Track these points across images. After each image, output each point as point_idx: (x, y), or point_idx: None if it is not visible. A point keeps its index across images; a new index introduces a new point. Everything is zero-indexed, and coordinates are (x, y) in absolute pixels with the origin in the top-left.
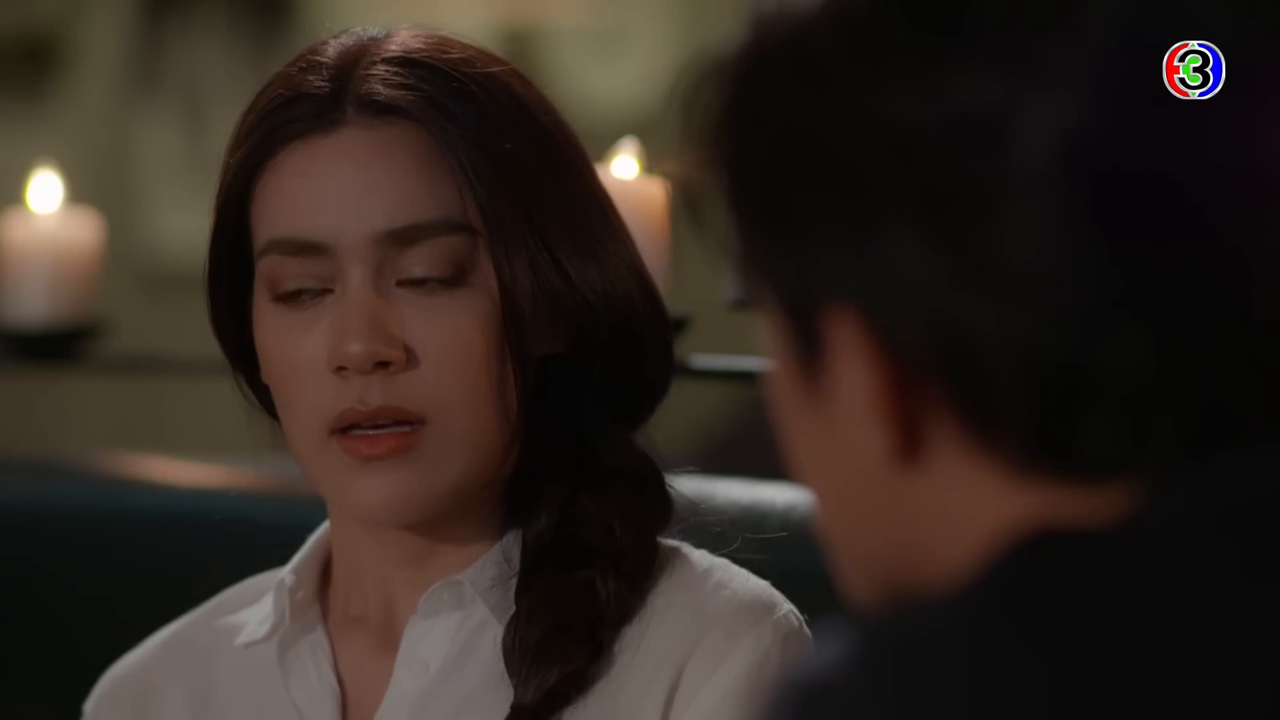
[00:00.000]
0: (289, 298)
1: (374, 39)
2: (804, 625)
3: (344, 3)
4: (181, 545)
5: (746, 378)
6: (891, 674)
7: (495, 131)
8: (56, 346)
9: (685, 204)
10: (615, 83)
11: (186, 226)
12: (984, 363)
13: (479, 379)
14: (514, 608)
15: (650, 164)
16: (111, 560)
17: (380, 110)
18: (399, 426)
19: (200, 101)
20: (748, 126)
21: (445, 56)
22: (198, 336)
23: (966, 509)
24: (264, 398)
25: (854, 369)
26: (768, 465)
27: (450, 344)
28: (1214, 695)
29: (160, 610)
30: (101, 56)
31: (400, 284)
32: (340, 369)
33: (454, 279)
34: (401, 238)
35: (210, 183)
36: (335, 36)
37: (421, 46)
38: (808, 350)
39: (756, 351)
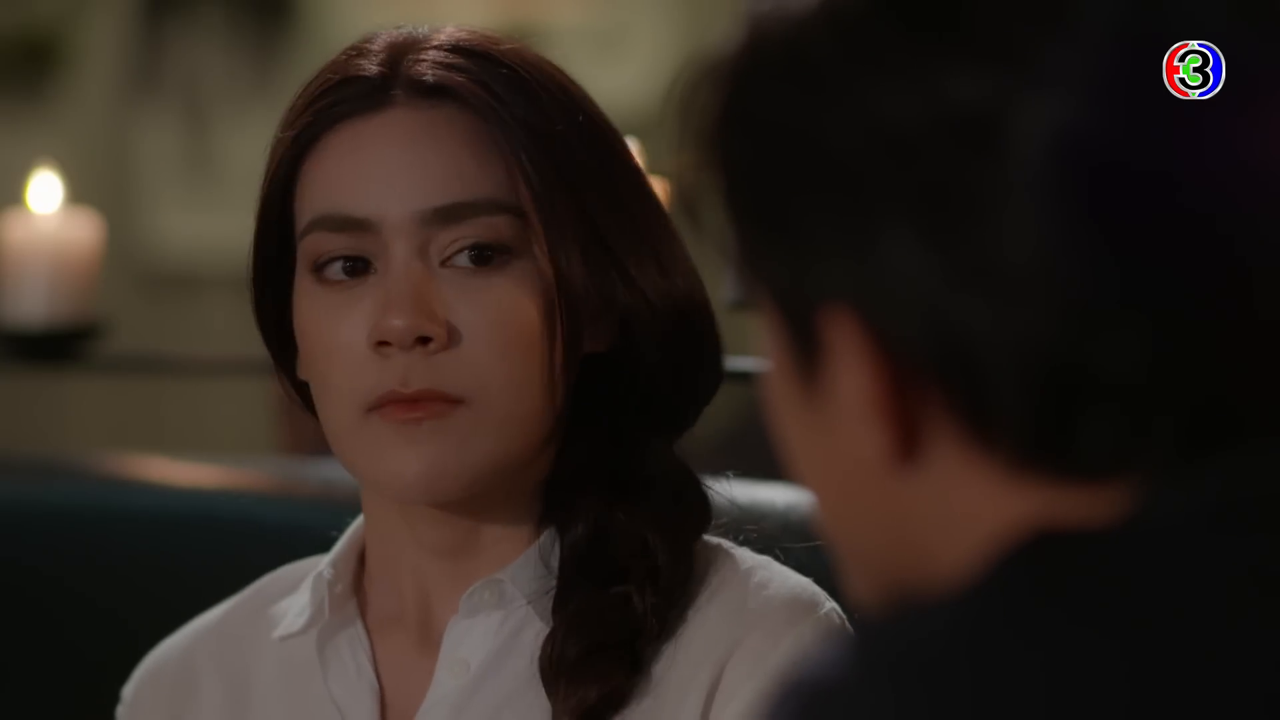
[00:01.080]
0: (330, 280)
1: (424, 33)
2: (846, 623)
3: (344, 3)
4: (181, 545)
5: (747, 378)
6: (891, 675)
7: (546, 118)
8: (56, 346)
9: (682, 205)
10: (615, 83)
11: (186, 226)
12: (981, 362)
13: (522, 362)
14: (552, 615)
15: (651, 164)
16: (111, 560)
17: (429, 92)
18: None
19: (200, 101)
20: (744, 128)
21: (496, 46)
22: (197, 337)
23: (965, 509)
24: (304, 393)
25: (851, 369)
26: (768, 465)
27: (493, 324)
28: (1212, 695)
29: (161, 610)
30: (101, 56)
31: (444, 264)
32: (381, 345)
33: (498, 260)
34: (446, 216)
35: (210, 183)
36: (384, 31)
37: (469, 37)
38: (805, 350)
39: (757, 351)
